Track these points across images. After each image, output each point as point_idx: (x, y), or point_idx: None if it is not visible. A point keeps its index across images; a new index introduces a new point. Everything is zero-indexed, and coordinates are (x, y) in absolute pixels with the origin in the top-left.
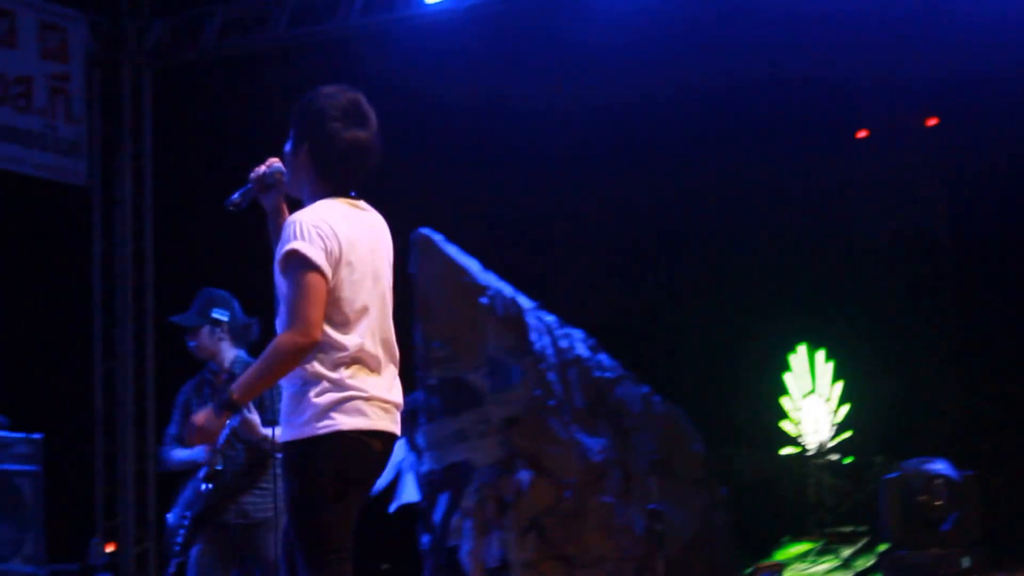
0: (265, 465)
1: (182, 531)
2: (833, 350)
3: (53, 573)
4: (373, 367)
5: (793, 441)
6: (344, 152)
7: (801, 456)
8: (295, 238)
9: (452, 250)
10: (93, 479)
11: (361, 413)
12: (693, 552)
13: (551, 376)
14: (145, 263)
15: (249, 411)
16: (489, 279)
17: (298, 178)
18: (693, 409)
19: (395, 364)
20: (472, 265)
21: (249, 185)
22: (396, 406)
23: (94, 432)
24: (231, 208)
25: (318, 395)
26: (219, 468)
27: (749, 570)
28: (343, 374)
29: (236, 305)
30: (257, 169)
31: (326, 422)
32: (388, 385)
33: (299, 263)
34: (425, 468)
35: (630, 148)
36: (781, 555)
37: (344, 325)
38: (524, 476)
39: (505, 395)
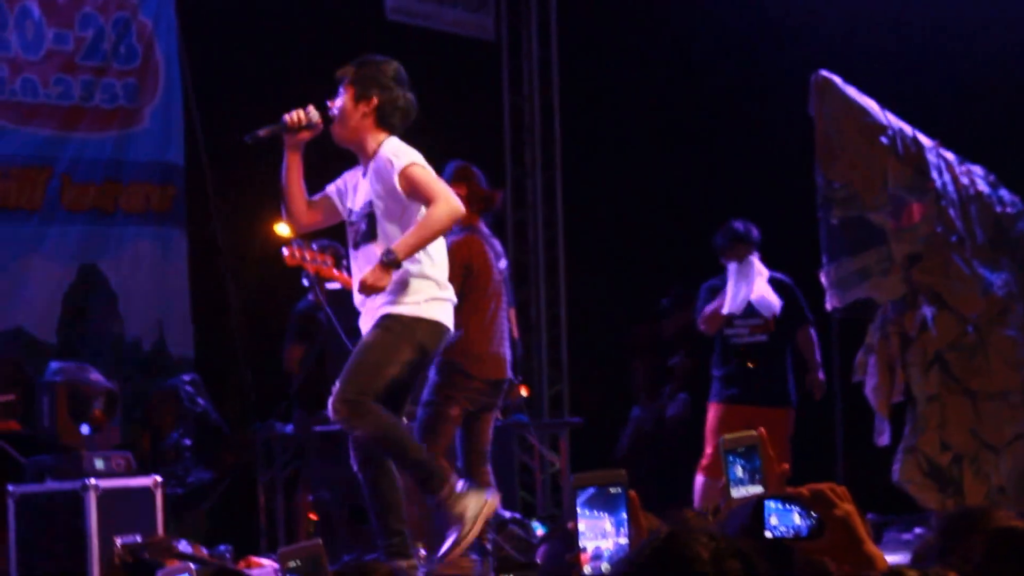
0: None
1: None
2: None
3: None
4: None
5: None
6: (404, 109)
7: None
8: (408, 156)
9: (851, 90)
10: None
11: (447, 313)
12: None
13: (952, 212)
14: (553, 114)
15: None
16: (889, 118)
17: (351, 126)
18: None
19: None
20: (872, 104)
21: (282, 122)
22: None
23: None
24: (250, 141)
25: (425, 288)
26: None
27: None
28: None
29: None
30: (294, 113)
31: (429, 310)
32: None
33: (424, 168)
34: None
35: None
36: None
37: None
38: (927, 311)
39: (907, 232)
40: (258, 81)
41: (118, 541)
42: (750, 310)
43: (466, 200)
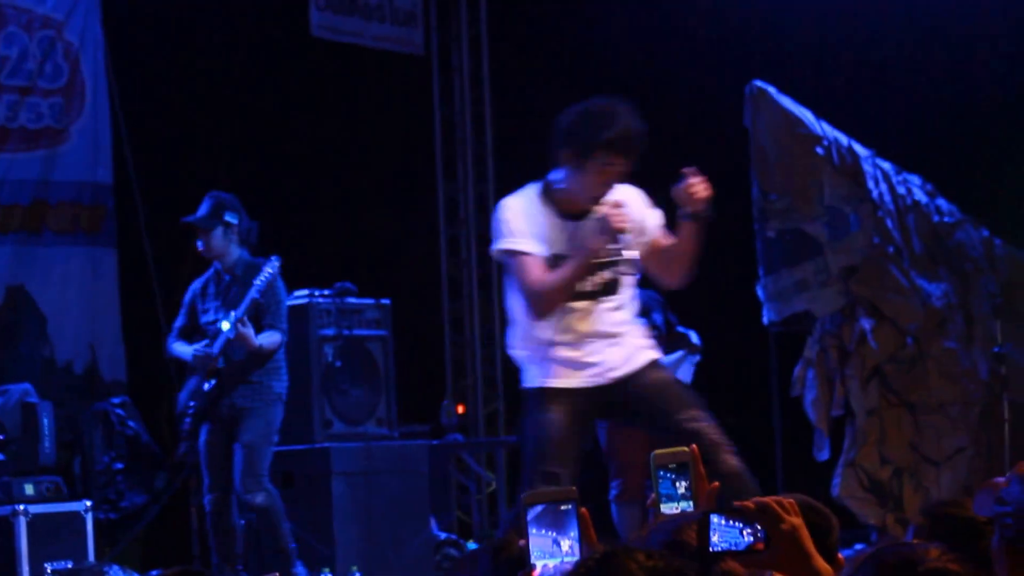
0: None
1: (187, 419)
2: None
3: (405, 435)
4: None
5: None
6: None
7: None
8: None
9: (787, 101)
10: (441, 343)
11: None
12: None
13: (889, 223)
14: (485, 128)
15: (244, 325)
16: (825, 128)
17: None
18: None
19: None
20: (807, 114)
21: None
22: None
23: (440, 296)
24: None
25: None
26: (220, 366)
27: None
28: None
29: (242, 210)
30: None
31: None
32: None
33: None
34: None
35: None
36: None
37: None
38: (865, 324)
39: (844, 244)
40: (185, 98)
41: (48, 568)
42: None
43: None
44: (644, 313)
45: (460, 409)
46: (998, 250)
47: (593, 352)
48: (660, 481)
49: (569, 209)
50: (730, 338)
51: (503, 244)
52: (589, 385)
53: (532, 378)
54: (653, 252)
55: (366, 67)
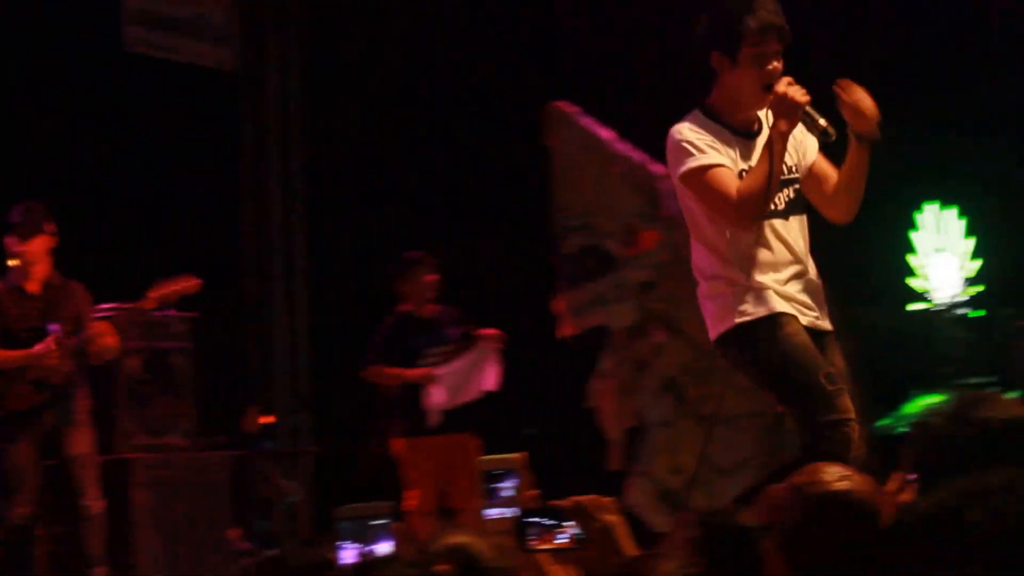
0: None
1: None
2: (965, 209)
3: (208, 446)
4: None
5: (920, 298)
6: None
7: (928, 311)
8: None
9: (586, 120)
10: (246, 356)
11: None
12: None
13: (683, 239)
14: (292, 149)
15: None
16: (623, 147)
17: None
18: (824, 267)
19: None
20: (606, 134)
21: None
22: None
23: (245, 309)
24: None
25: None
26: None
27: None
28: None
29: None
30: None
31: None
32: None
33: None
34: None
35: None
36: (910, 408)
37: None
38: (659, 337)
39: (640, 260)
40: None
41: None
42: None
43: None
44: (438, 328)
45: (264, 420)
46: None
47: (802, 291)
48: (485, 488)
49: (741, 123)
50: (527, 350)
51: (690, 164)
52: (806, 324)
53: (750, 308)
54: (818, 181)
55: (177, 83)
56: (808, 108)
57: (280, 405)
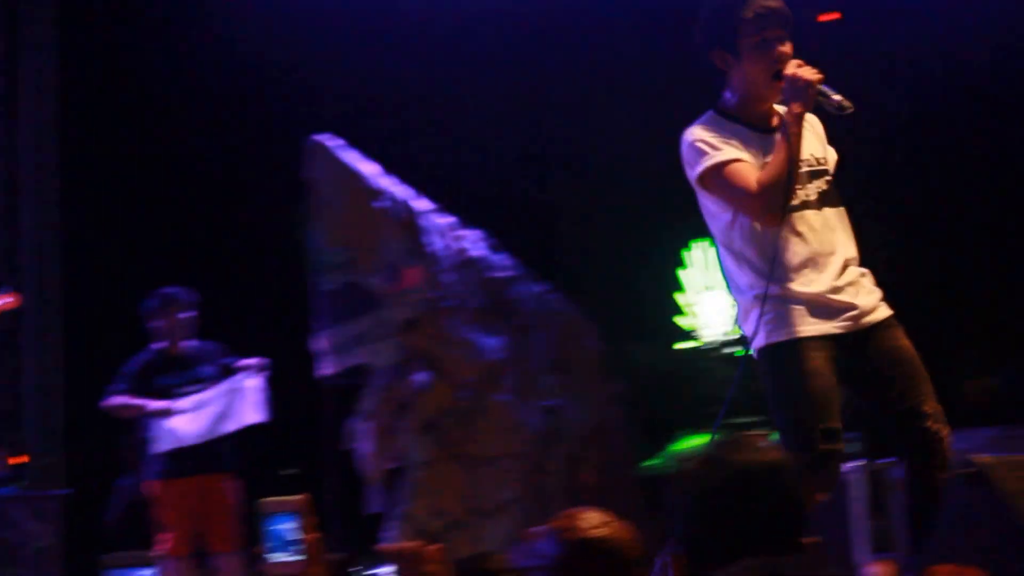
0: None
1: None
2: None
3: None
4: None
5: (689, 336)
6: None
7: (697, 350)
8: None
9: (347, 156)
10: None
11: None
12: (590, 447)
13: (446, 278)
14: (48, 176)
15: None
16: (384, 183)
17: None
18: (592, 306)
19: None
20: (368, 169)
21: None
22: None
23: None
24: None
25: None
26: None
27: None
28: None
29: None
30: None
31: None
32: None
33: None
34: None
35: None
36: (677, 448)
37: None
38: (421, 377)
39: (403, 297)
40: None
41: None
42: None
43: None
44: (193, 366)
45: (14, 461)
46: (553, 305)
47: (843, 287)
48: (267, 532)
49: (759, 119)
50: (284, 390)
51: (706, 163)
52: (841, 332)
53: (775, 330)
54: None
55: None
56: (821, 86)
57: (32, 446)
